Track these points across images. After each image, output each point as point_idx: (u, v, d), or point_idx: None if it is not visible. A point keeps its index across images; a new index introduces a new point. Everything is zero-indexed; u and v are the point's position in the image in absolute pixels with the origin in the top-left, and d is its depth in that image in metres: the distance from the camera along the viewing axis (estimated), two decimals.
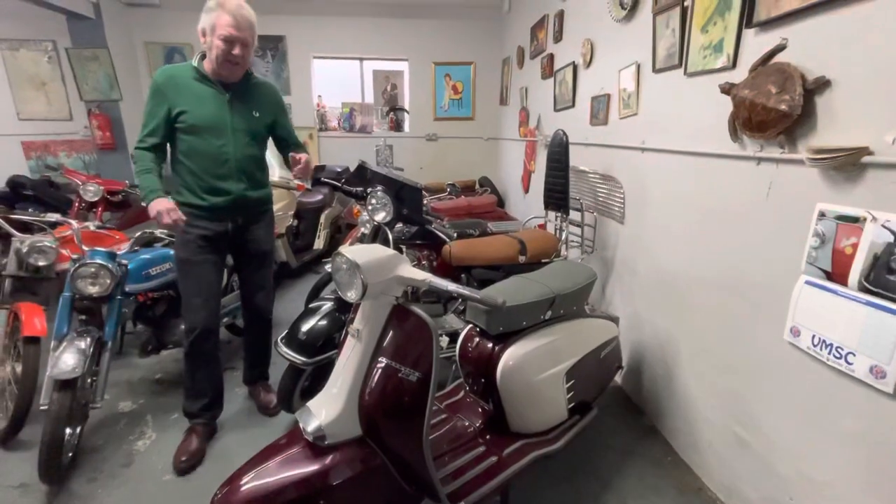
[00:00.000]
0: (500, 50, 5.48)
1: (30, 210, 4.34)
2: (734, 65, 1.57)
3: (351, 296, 1.13)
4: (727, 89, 1.51)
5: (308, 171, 1.90)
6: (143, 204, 1.73)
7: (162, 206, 1.67)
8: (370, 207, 1.99)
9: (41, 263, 2.10)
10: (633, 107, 2.29)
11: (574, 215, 2.63)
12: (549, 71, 3.59)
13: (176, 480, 1.82)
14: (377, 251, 1.17)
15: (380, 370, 1.16)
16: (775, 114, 1.31)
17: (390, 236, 1.97)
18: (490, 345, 1.55)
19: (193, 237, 1.82)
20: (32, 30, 5.09)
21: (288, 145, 2.05)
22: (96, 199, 3.85)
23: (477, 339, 1.59)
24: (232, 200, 1.84)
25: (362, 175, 2.02)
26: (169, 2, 5.08)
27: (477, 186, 5.41)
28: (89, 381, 1.88)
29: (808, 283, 1.27)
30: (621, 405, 2.31)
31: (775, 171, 1.41)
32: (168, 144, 1.81)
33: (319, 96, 5.69)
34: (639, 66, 2.22)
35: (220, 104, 1.78)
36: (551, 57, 3.55)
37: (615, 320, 1.97)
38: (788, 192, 1.37)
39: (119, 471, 1.86)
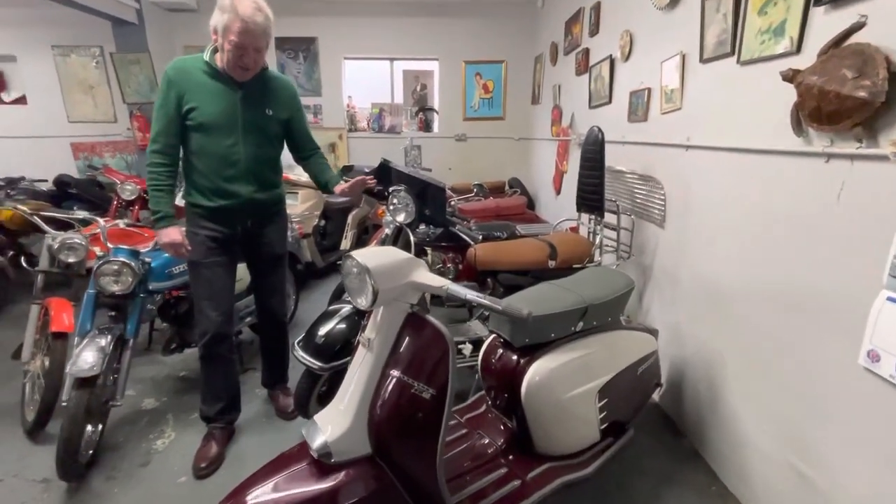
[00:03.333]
0: (533, 47, 5.32)
1: (74, 207, 4.55)
2: (799, 49, 1.39)
3: (361, 302, 1.04)
4: (790, 76, 1.33)
5: (355, 189, 1.84)
6: (153, 227, 1.72)
7: (170, 238, 1.66)
8: (391, 207, 1.91)
9: (71, 260, 2.13)
10: (677, 101, 2.10)
11: (609, 218, 2.46)
12: (583, 66, 3.41)
13: (191, 483, 1.79)
14: (391, 254, 1.08)
15: (391, 384, 1.07)
16: (851, 102, 1.13)
17: (412, 238, 1.88)
18: (515, 357, 1.43)
19: (202, 238, 1.77)
20: (82, 36, 5.35)
21: (303, 149, 1.96)
22: (133, 197, 3.97)
23: (501, 351, 1.47)
24: (241, 203, 1.77)
25: (385, 174, 1.94)
26: (207, 6, 5.21)
27: (506, 188, 5.26)
28: (111, 378, 1.89)
29: (891, 299, 1.08)
30: (660, 425, 2.12)
31: (849, 169, 1.22)
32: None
33: (349, 97, 5.70)
34: (684, 57, 2.04)
35: (231, 101, 1.68)
36: (587, 52, 3.37)
37: (654, 333, 1.80)
38: (866, 193, 1.18)
39: (136, 470, 1.85)
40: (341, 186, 1.87)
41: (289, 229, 3.20)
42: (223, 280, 1.83)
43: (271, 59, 5.46)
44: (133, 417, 2.19)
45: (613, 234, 2.44)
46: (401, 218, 1.89)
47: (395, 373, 1.06)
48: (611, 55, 2.88)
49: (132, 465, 1.88)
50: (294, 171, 4.25)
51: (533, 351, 1.42)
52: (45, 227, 2.22)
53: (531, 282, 2.23)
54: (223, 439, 1.94)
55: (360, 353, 1.12)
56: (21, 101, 5.68)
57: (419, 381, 1.04)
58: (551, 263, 2.17)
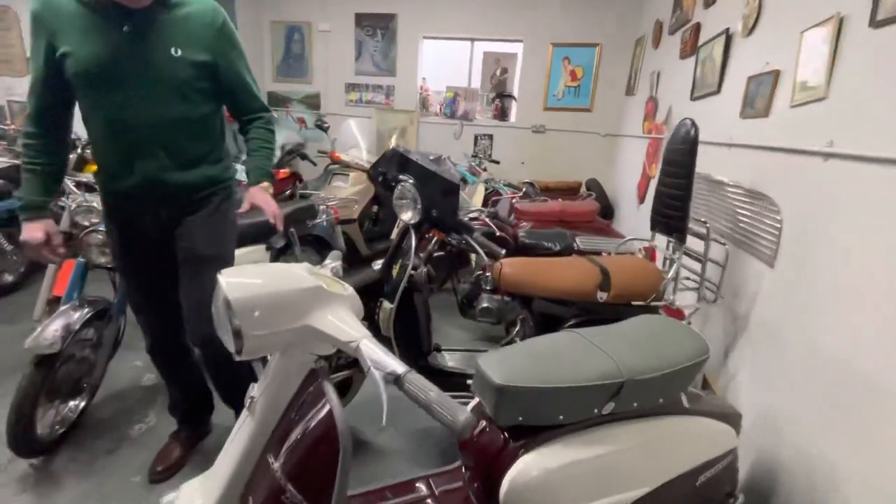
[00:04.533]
0: (634, 28, 4.56)
1: None
2: None
3: (228, 344, 0.69)
4: None
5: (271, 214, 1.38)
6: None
7: (27, 236, 1.26)
8: (395, 202, 1.53)
9: (86, 223, 2.08)
10: (819, 88, 1.45)
11: (694, 244, 1.85)
12: (690, 47, 2.72)
13: (142, 485, 1.61)
14: (283, 279, 0.70)
15: (266, 476, 0.70)
16: None
17: (413, 242, 1.49)
18: (501, 439, 0.99)
19: (117, 226, 1.41)
20: None
21: (237, 111, 1.43)
22: None
23: (484, 424, 1.04)
24: (140, 185, 1.29)
25: (395, 163, 1.57)
26: None
27: (583, 189, 4.63)
28: (88, 354, 1.77)
29: None
30: None
31: None
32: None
33: (424, 79, 5.40)
34: (841, 21, 1.38)
35: (112, 40, 1.18)
36: (696, 28, 2.67)
37: (734, 420, 1.23)
38: None
39: (100, 457, 1.72)
40: (250, 200, 1.38)
41: (324, 213, 3.04)
42: (151, 279, 1.46)
43: (349, 35, 5.36)
44: (127, 393, 2.10)
45: (697, 266, 1.83)
46: (406, 216, 1.52)
47: (273, 462, 0.70)
48: (727, 29, 2.20)
49: (99, 450, 1.75)
50: (348, 150, 4.08)
51: (529, 435, 0.97)
52: (71, 188, 2.20)
53: (575, 316, 1.74)
54: (189, 442, 1.74)
55: (243, 416, 0.77)
56: None
57: (294, 485, 0.66)
58: (601, 296, 1.65)
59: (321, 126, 4.15)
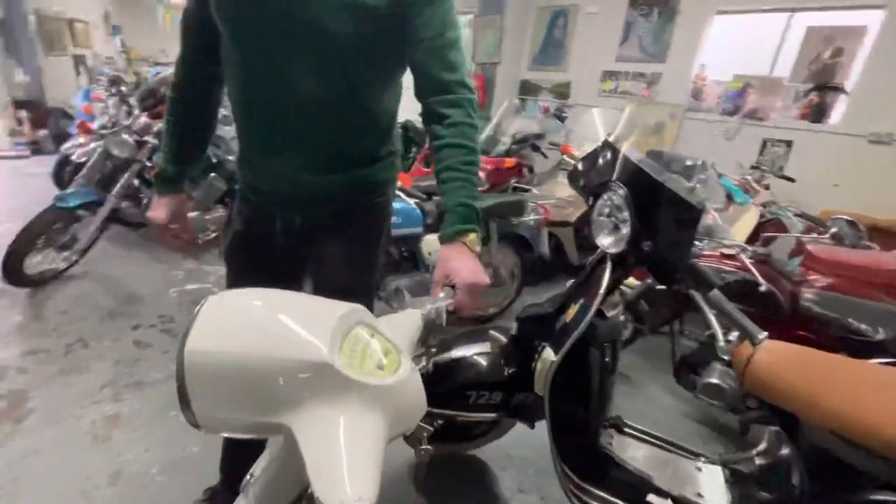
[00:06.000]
0: None
1: None
2: None
3: None
4: None
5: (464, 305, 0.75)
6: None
7: (156, 215, 1.00)
8: (594, 217, 1.08)
9: None
10: None
11: None
12: None
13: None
14: (283, 330, 0.42)
15: None
16: None
17: (606, 279, 1.01)
18: None
19: (246, 217, 1.06)
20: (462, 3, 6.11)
21: (430, 90, 0.85)
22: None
23: None
24: (271, 183, 0.98)
25: (607, 163, 1.11)
26: None
27: None
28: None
29: None
30: None
31: None
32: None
33: (702, 66, 4.33)
34: None
35: None
36: None
37: None
38: None
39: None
40: (442, 270, 0.77)
41: (532, 211, 2.70)
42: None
43: (618, 16, 4.71)
44: None
45: None
46: (604, 242, 1.04)
47: None
48: None
49: None
50: (583, 144, 3.59)
51: None
52: None
53: (889, 477, 0.94)
54: None
55: (239, 499, 0.55)
56: None
57: None
58: None
59: (559, 116, 3.82)
